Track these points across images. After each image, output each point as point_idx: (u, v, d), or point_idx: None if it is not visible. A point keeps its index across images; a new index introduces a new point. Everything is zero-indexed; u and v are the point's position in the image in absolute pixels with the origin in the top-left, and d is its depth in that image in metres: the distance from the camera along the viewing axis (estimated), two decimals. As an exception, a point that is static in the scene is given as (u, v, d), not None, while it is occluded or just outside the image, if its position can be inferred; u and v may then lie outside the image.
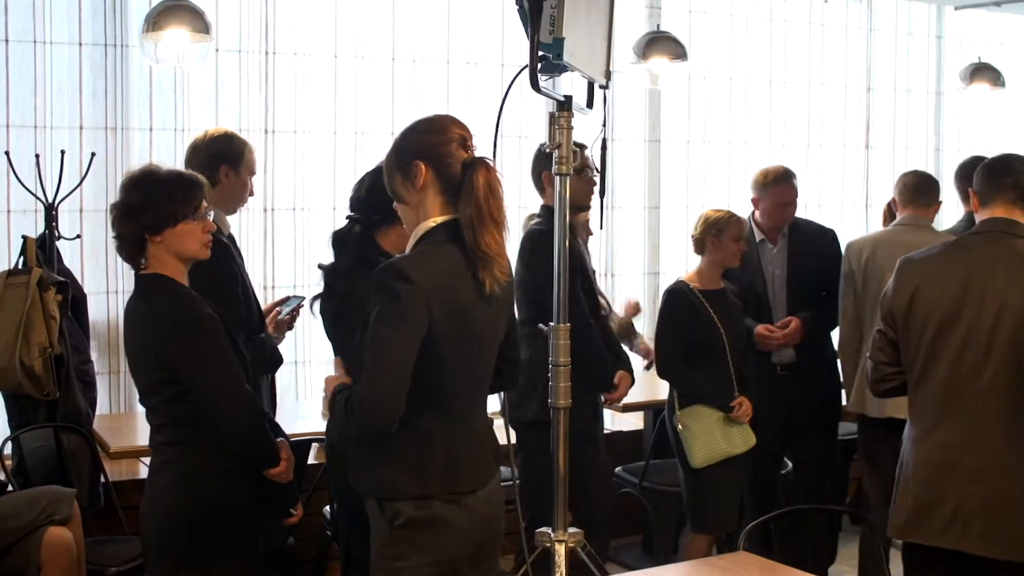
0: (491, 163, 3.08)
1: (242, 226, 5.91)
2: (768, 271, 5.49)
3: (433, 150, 3.04)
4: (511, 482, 3.69)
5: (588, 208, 4.94)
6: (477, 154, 3.09)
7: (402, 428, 2.97)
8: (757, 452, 5.11)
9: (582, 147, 4.62)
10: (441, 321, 2.96)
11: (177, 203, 3.37)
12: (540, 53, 3.30)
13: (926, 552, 3.65)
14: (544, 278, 4.13)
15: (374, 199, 3.53)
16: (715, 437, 4.96)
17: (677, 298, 5.06)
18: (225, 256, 4.00)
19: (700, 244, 5.11)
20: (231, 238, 4.42)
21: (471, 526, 3.09)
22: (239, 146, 4.35)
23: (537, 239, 4.73)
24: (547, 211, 4.79)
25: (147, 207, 3.36)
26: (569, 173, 3.69)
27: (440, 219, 3.05)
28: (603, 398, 5.05)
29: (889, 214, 5.35)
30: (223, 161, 4.25)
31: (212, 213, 3.53)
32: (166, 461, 3.42)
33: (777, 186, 5.42)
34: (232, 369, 3.37)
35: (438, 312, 2.96)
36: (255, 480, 3.44)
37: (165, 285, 3.38)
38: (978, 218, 3.81)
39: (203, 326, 3.36)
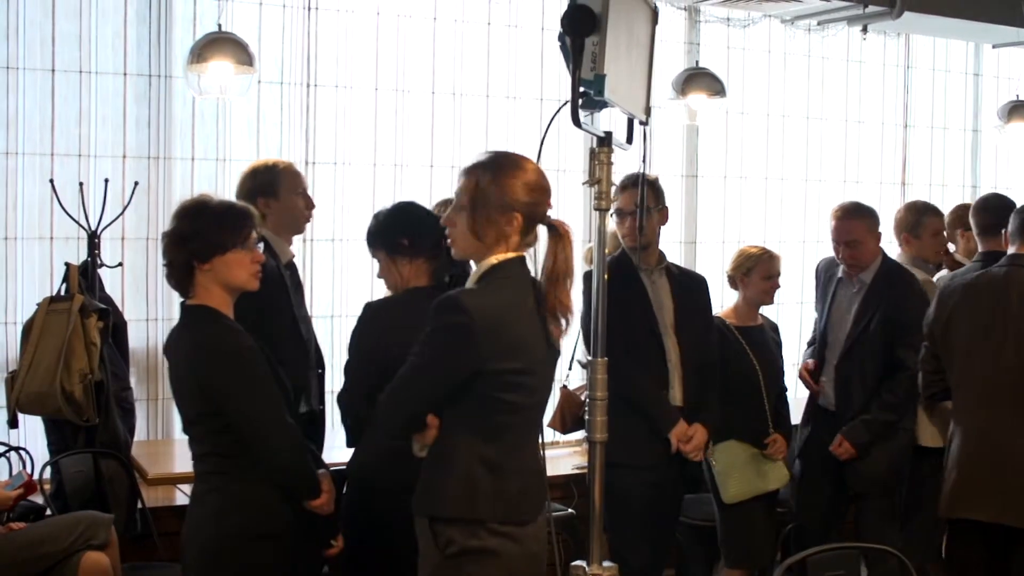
0: (568, 227, 3.17)
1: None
2: (838, 311, 5.25)
3: (535, 210, 3.13)
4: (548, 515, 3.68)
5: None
6: (553, 214, 3.18)
7: (458, 456, 3.04)
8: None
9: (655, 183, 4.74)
10: (498, 354, 3.01)
11: (226, 232, 3.40)
12: (581, 89, 3.32)
13: (968, 525, 4.29)
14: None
15: None
16: (748, 473, 4.94)
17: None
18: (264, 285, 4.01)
19: (732, 281, 5.13)
20: (291, 265, 4.48)
21: (520, 561, 3.10)
22: (264, 176, 4.41)
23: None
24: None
25: (196, 235, 3.39)
26: (608, 209, 3.68)
27: (503, 256, 3.10)
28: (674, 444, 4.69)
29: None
30: (258, 195, 4.32)
31: (262, 245, 3.56)
32: (208, 490, 3.43)
33: (833, 221, 5.26)
34: (273, 402, 3.39)
35: (495, 346, 3.00)
36: (296, 510, 3.45)
37: (209, 317, 3.40)
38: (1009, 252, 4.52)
39: (245, 359, 3.36)
